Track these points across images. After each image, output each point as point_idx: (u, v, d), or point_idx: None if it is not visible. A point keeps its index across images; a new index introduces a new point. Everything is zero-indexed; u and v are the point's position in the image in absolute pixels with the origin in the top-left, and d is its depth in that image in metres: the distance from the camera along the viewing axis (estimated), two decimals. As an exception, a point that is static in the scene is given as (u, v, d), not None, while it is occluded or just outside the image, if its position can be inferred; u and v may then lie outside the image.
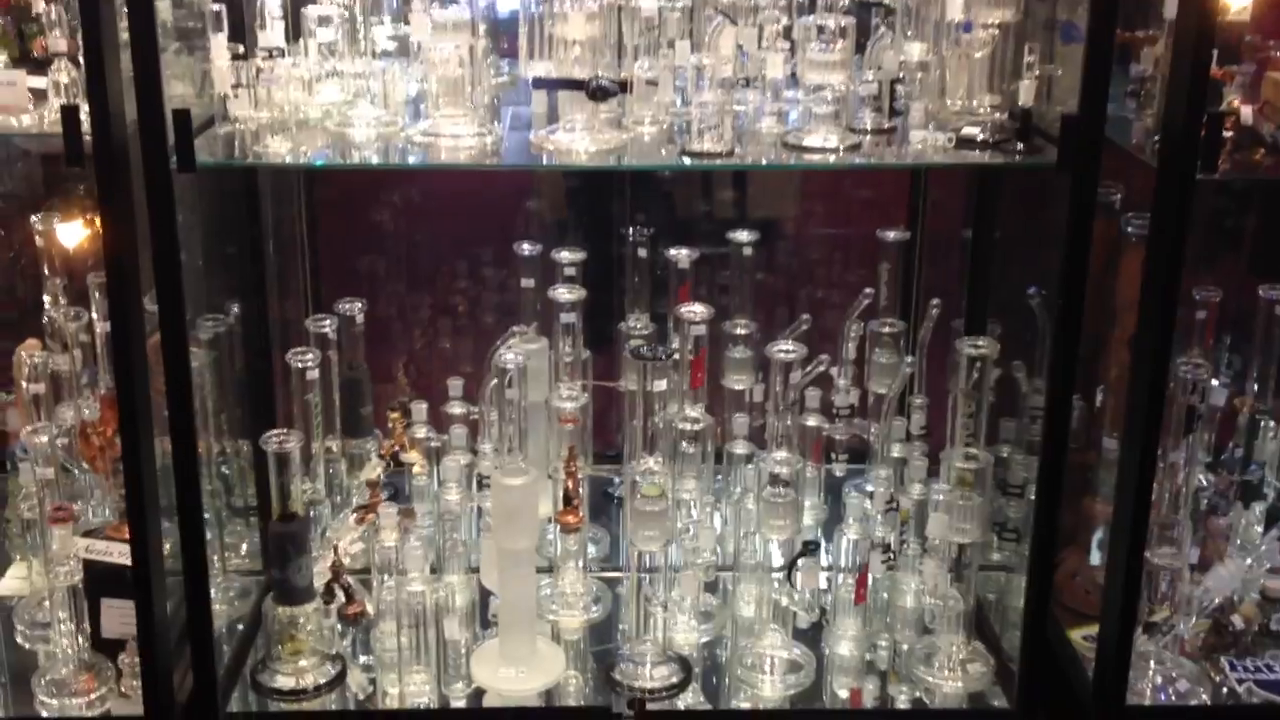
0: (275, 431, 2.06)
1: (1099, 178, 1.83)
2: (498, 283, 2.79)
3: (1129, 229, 2.18)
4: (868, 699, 2.15)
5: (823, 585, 2.20)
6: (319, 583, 2.10)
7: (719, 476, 2.49)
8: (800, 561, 2.07)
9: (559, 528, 2.18)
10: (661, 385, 1.99)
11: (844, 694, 2.16)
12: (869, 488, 2.45)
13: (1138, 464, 1.91)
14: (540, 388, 2.37)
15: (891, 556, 2.24)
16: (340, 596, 2.06)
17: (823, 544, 2.24)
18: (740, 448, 2.43)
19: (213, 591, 2.01)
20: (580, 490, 2.19)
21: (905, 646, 2.26)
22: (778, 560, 2.21)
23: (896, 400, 2.24)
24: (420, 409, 2.46)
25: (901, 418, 2.40)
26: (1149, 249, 1.86)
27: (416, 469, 2.42)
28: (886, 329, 2.54)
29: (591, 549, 2.47)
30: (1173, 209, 1.81)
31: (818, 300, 2.84)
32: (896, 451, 2.37)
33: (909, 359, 2.24)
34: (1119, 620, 1.97)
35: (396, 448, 2.41)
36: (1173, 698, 2.08)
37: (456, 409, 2.44)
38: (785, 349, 2.05)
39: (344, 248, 2.75)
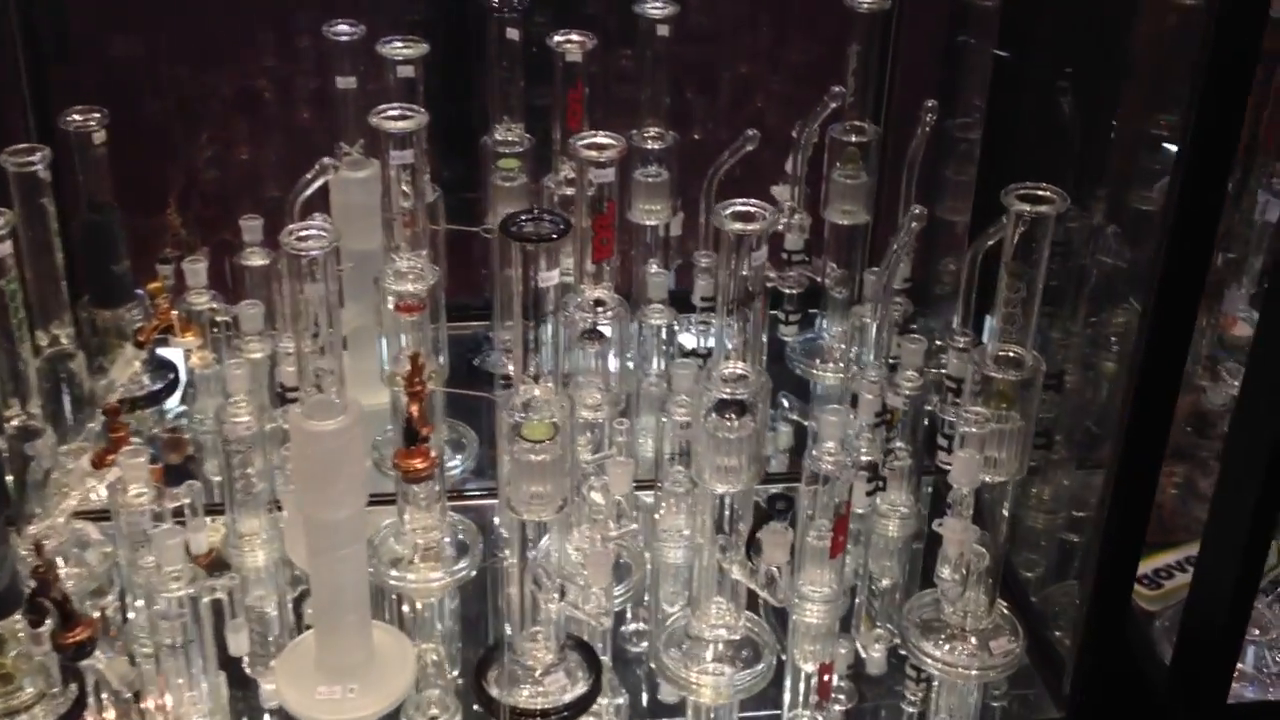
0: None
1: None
2: (313, 78, 1.97)
3: None
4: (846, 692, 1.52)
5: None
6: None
7: (631, 354, 1.79)
8: (763, 529, 1.39)
9: (399, 474, 1.46)
10: (551, 278, 1.25)
11: (813, 676, 1.53)
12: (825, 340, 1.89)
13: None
14: (374, 232, 1.62)
15: (880, 484, 1.58)
16: (52, 617, 1.31)
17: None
18: (657, 316, 1.73)
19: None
20: (430, 414, 1.46)
21: (887, 586, 1.64)
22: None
23: (896, 265, 1.53)
24: (198, 270, 1.70)
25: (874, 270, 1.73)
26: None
27: (195, 359, 1.69)
28: (854, 137, 1.83)
29: (455, 461, 1.77)
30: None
31: (764, 96, 2.08)
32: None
33: (917, 209, 1.50)
34: (1233, 594, 1.33)
35: (163, 328, 1.67)
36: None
37: (255, 259, 1.69)
38: (742, 212, 1.31)
39: (79, 31, 1.91)
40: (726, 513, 1.43)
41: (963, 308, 1.57)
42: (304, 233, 1.26)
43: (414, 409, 1.40)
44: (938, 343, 1.73)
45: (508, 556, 1.44)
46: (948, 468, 1.57)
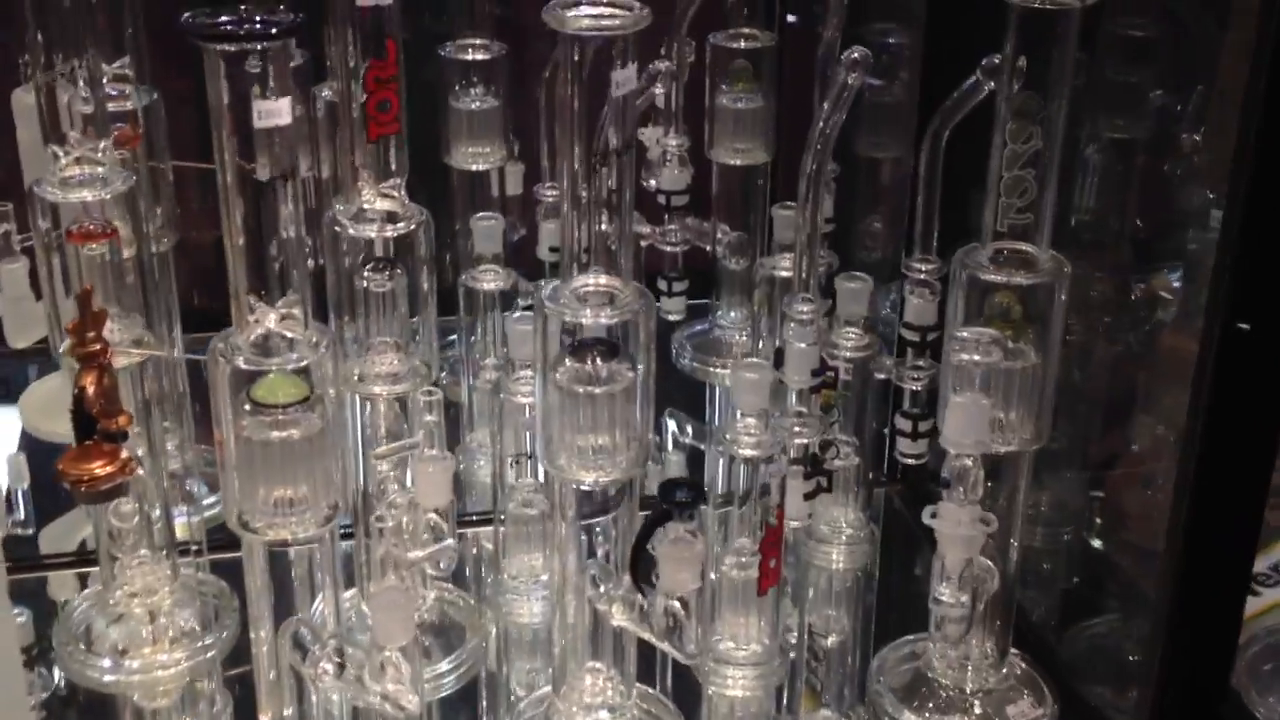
0: None
1: None
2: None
3: None
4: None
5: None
6: None
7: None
8: (657, 537, 0.86)
9: (79, 495, 0.90)
10: (277, 112, 0.73)
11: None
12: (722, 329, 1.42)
13: None
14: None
15: (823, 482, 1.08)
16: None
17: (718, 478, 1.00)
18: (490, 280, 1.23)
19: None
20: (119, 392, 0.92)
21: (834, 644, 1.15)
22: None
23: (827, 150, 1.03)
24: None
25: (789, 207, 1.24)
26: None
27: None
28: (743, 44, 1.36)
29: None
30: None
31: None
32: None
33: (857, 51, 1.01)
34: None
35: None
36: None
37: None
38: (592, 13, 0.81)
39: None
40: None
41: (923, 222, 1.09)
42: None
43: (87, 380, 0.86)
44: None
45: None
46: (911, 461, 1.10)
